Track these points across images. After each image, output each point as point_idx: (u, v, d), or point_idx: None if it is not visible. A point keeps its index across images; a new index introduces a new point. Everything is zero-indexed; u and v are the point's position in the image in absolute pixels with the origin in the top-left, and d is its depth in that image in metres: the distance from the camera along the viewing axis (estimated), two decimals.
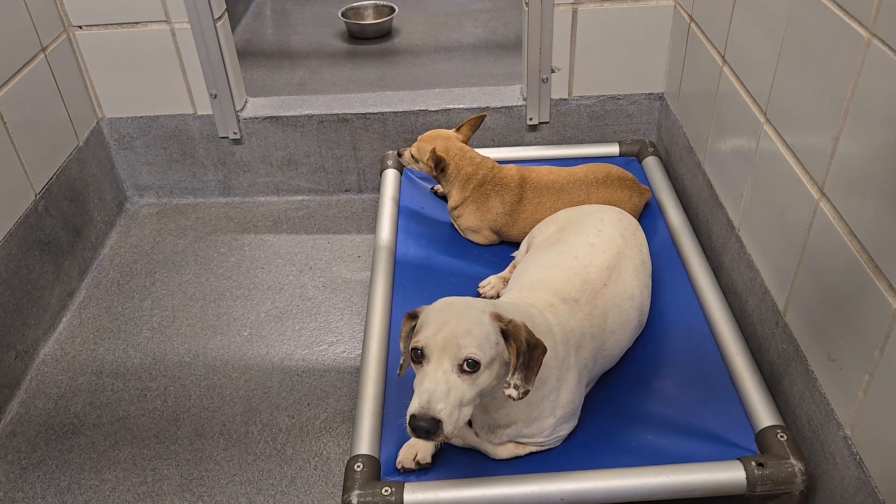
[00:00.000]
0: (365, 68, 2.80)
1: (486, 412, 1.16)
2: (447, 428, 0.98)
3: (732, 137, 1.53)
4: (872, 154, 1.00)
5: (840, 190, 1.10)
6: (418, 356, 1.03)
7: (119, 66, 1.99)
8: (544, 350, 1.05)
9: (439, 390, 0.99)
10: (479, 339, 1.02)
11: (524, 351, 1.03)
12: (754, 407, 1.24)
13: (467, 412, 1.02)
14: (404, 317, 1.12)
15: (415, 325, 1.09)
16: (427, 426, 0.97)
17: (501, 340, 1.04)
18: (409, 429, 0.99)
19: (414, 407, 0.99)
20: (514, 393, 1.03)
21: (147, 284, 1.91)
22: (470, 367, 1.01)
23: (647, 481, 1.14)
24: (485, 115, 1.78)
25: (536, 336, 1.06)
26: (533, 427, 1.17)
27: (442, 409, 0.98)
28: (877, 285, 1.00)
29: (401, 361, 1.14)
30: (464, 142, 1.74)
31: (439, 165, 1.69)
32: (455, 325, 1.02)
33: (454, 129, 1.76)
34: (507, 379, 1.04)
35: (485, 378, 1.03)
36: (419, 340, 1.03)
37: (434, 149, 1.68)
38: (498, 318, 1.05)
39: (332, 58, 2.90)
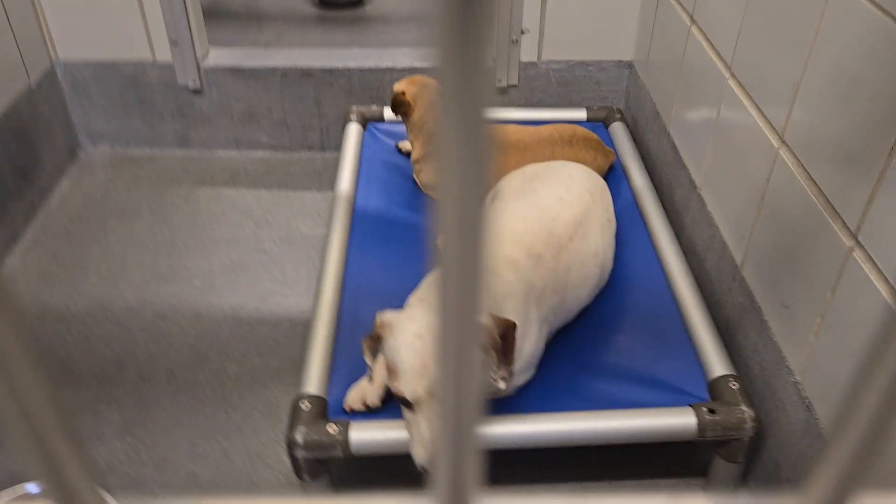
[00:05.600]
0: (334, 34, 2.75)
1: None
2: None
3: (698, 95, 1.52)
4: (833, 96, 1.00)
5: (800, 136, 1.10)
6: (405, 402, 0.99)
7: (75, 5, 1.91)
8: (514, 326, 1.02)
9: None
10: None
11: (500, 346, 0.99)
12: (708, 357, 1.24)
13: None
14: (363, 340, 1.05)
15: (376, 345, 1.03)
16: None
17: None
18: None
19: (421, 457, 0.98)
20: (502, 384, 1.00)
21: (97, 232, 1.85)
22: None
23: (600, 425, 1.13)
24: None
25: (500, 316, 1.02)
26: None
27: None
28: (831, 225, 1.00)
29: (368, 374, 1.08)
30: None
31: (400, 108, 1.64)
32: (434, 366, 0.97)
33: None
34: (492, 374, 1.00)
35: None
36: (401, 390, 0.98)
37: (402, 90, 1.64)
38: None
39: (300, 22, 2.84)
